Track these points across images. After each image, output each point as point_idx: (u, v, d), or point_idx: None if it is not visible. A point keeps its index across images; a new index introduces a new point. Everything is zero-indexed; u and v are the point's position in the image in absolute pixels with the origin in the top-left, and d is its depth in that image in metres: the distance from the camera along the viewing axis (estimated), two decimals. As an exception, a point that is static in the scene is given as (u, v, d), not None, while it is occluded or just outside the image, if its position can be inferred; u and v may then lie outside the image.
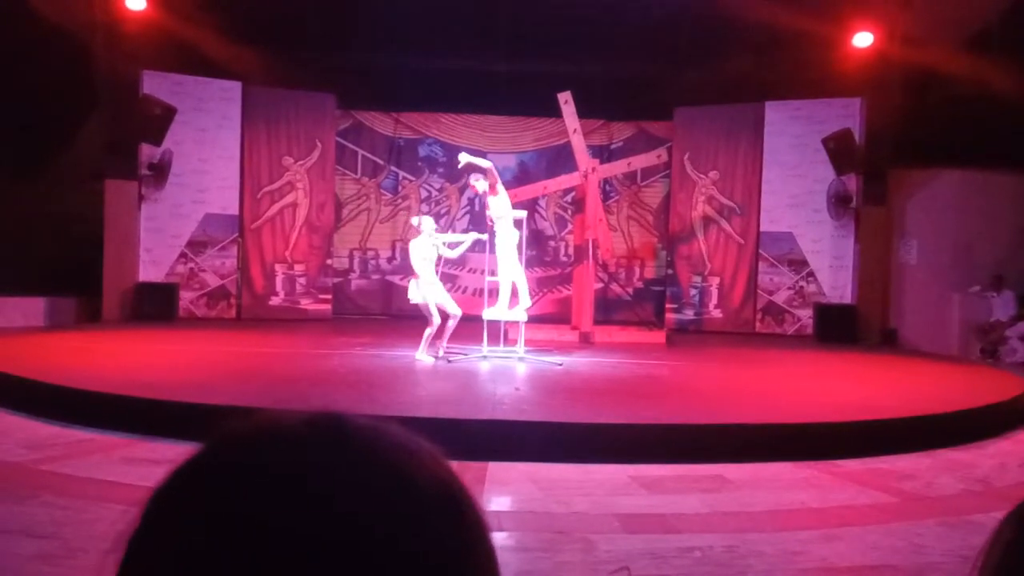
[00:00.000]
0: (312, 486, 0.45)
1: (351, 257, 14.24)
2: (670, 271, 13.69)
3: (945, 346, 11.45)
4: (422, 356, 8.43)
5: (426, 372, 8.05)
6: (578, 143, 11.03)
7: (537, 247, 13.89)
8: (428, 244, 8.37)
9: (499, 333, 8.93)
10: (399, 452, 0.48)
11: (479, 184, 8.90)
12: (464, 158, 8.84)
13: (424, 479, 0.48)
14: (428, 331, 8.39)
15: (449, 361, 8.51)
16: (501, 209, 8.77)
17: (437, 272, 8.43)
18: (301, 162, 13.32)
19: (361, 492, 0.45)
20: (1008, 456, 6.05)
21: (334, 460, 0.46)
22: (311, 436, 0.48)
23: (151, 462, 4.95)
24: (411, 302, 8.50)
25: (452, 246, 8.69)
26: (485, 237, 8.98)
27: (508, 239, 8.81)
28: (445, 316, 8.39)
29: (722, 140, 13.31)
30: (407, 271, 14.39)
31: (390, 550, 0.44)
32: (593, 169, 11.06)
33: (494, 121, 14.21)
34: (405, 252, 13.96)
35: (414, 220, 8.83)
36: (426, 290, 8.28)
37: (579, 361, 9.02)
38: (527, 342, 9.08)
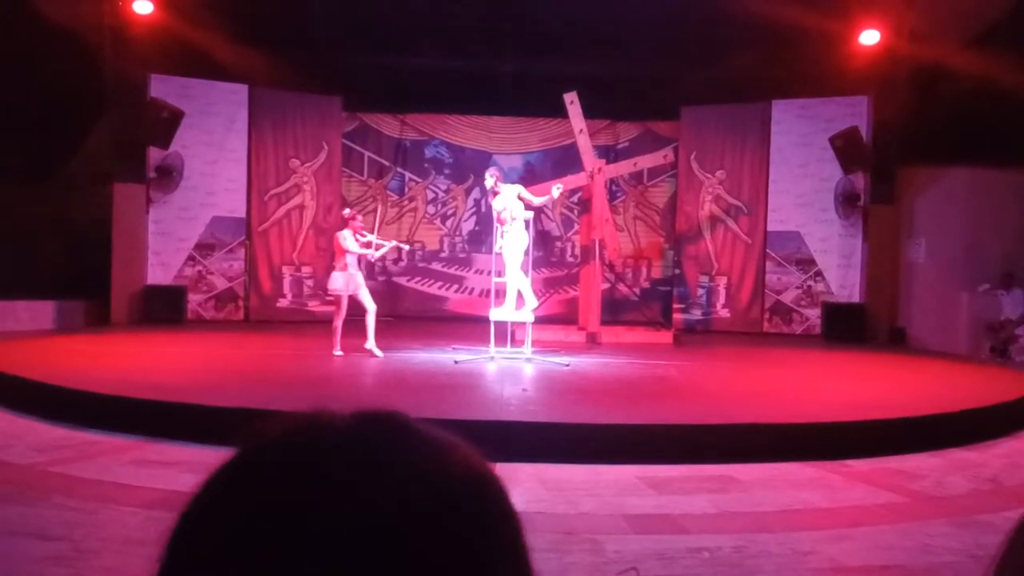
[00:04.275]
0: (353, 483, 0.46)
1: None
2: (677, 271, 13.67)
3: (954, 345, 11.38)
4: (372, 346, 8.61)
5: (432, 373, 8.04)
6: (584, 143, 11.03)
7: (543, 248, 13.89)
8: (352, 237, 8.63)
9: (506, 334, 8.94)
10: (437, 448, 0.50)
11: (489, 181, 9.08)
12: (556, 191, 9.51)
13: (461, 474, 0.49)
14: (371, 320, 8.59)
15: (456, 362, 8.52)
16: (519, 211, 8.84)
17: (360, 267, 8.73)
18: (308, 164, 13.35)
19: (400, 488, 0.47)
20: (1018, 455, 6.02)
21: (373, 457, 0.48)
22: (350, 434, 0.49)
23: (161, 464, 4.97)
24: (332, 293, 8.67)
25: (369, 245, 8.86)
26: (407, 247, 9.36)
27: (519, 241, 8.85)
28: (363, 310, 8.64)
29: (729, 139, 13.28)
30: (412, 272, 14.61)
31: (429, 542, 0.45)
32: (599, 169, 11.06)
33: (500, 122, 14.22)
34: (411, 254, 14.13)
35: (347, 212, 9.17)
36: (355, 280, 8.53)
37: (586, 361, 9.01)
38: (534, 343, 9.08)
